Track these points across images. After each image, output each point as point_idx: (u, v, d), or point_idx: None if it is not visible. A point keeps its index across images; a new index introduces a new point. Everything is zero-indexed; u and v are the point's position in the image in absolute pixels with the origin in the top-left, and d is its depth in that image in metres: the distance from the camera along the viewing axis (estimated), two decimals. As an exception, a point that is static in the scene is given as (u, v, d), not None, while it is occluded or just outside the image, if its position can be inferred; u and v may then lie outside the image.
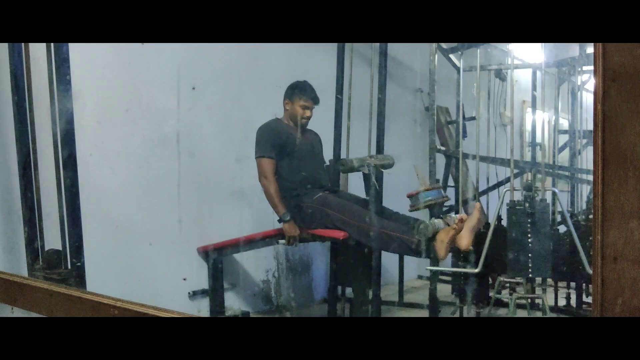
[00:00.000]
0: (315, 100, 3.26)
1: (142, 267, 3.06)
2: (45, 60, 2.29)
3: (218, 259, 3.29)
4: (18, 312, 1.83)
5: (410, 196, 2.89)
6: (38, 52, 2.33)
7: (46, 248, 2.36)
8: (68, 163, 2.27)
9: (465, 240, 2.75)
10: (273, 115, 3.29)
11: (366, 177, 3.07)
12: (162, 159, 3.19)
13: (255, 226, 3.46)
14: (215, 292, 3.32)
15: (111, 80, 2.98)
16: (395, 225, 2.83)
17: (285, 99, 3.28)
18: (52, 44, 2.31)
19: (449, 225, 2.84)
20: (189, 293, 3.26)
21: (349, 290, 3.24)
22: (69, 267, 2.32)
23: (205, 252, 3.30)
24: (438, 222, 2.85)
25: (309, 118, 3.27)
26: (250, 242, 3.24)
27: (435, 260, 2.84)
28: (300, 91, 3.24)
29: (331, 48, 3.72)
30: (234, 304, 3.46)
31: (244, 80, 3.63)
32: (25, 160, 2.35)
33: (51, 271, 2.31)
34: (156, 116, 3.18)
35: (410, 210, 2.91)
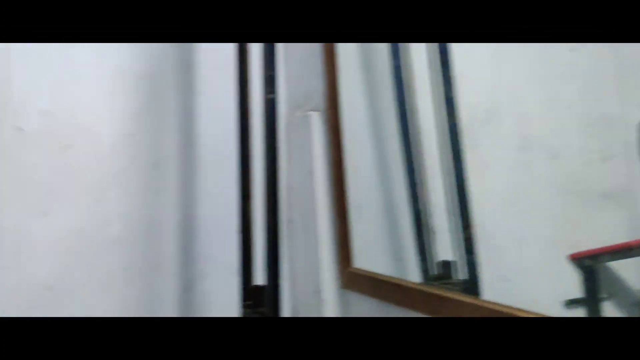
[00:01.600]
0: None
1: (514, 273, 3.00)
2: (427, 66, 2.38)
3: (593, 266, 3.06)
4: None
5: None
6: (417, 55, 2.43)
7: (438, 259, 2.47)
8: (457, 169, 2.32)
9: None
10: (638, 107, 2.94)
11: None
12: (523, 164, 3.11)
13: (630, 231, 3.14)
14: (590, 302, 3.09)
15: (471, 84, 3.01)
16: None
17: None
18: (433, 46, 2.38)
19: None
20: (564, 302, 3.10)
21: None
22: (460, 277, 2.37)
23: (578, 259, 3.10)
24: None
25: None
26: (633, 249, 2.93)
27: None
28: None
29: None
30: (613, 315, 3.18)
31: (604, 71, 3.33)
32: (413, 168, 2.46)
33: (445, 281, 2.40)
34: (513, 120, 3.11)
35: None
